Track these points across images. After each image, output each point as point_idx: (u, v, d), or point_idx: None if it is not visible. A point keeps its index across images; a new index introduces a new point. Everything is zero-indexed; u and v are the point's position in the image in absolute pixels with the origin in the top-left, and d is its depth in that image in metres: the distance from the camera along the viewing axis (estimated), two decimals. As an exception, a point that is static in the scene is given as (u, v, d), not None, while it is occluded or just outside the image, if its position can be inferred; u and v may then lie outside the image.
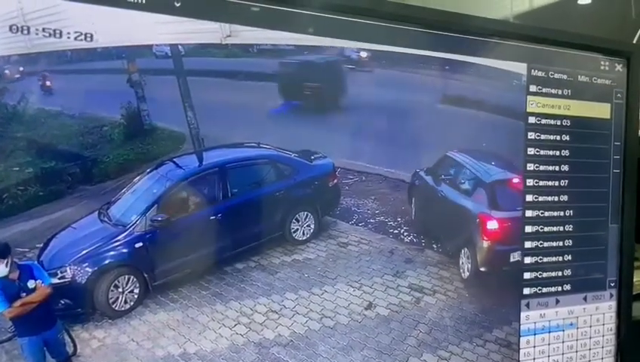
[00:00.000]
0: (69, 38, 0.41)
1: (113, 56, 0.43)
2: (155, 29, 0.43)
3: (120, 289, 0.45)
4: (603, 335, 0.64)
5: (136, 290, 0.45)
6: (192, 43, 0.45)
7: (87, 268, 0.44)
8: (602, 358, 0.64)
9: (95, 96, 0.43)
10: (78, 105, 0.42)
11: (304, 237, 0.52)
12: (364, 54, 0.51)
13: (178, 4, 0.44)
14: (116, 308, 0.44)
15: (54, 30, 0.41)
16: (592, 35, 0.62)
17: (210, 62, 0.46)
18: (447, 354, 0.55)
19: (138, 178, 0.44)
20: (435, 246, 0.55)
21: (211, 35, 0.45)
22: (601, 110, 0.63)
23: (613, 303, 0.65)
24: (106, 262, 0.45)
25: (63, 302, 0.43)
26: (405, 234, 0.54)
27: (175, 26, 0.44)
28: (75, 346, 0.42)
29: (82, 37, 0.41)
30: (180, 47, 0.45)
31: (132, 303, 0.45)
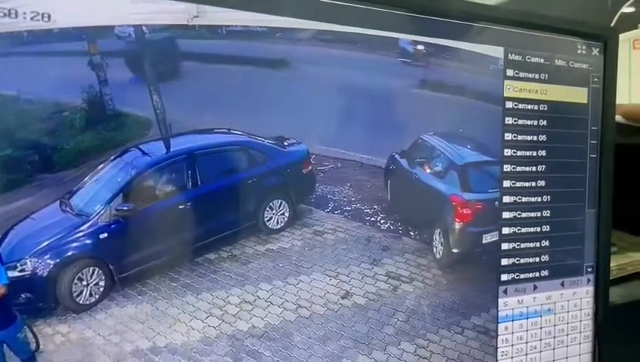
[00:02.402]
0: (24, 18, 0.39)
1: (72, 37, 0.40)
2: (117, 8, 0.41)
3: (84, 282, 0.43)
4: (580, 321, 0.64)
5: (102, 283, 0.43)
6: (157, 24, 0.43)
7: (49, 261, 0.42)
8: (580, 343, 0.64)
9: (54, 80, 0.41)
10: (36, 90, 0.40)
11: (278, 226, 0.50)
12: (339, 37, 0.50)
13: (142, -17, 0.42)
14: (80, 302, 0.43)
15: (9, 10, 0.38)
16: (569, 18, 0.62)
17: (176, 44, 0.44)
18: (425, 342, 0.55)
19: (102, 166, 0.42)
20: (411, 232, 0.54)
21: (177, 16, 0.43)
22: (578, 95, 0.62)
23: (591, 288, 0.65)
24: (69, 253, 0.42)
25: (23, 297, 0.41)
26: (382, 221, 0.53)
27: (138, 5, 0.42)
28: (37, 342, 0.40)
29: (39, 17, 0.39)
30: (144, 27, 0.42)
31: (97, 296, 0.43)
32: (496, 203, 0.50)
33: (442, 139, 0.45)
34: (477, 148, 0.46)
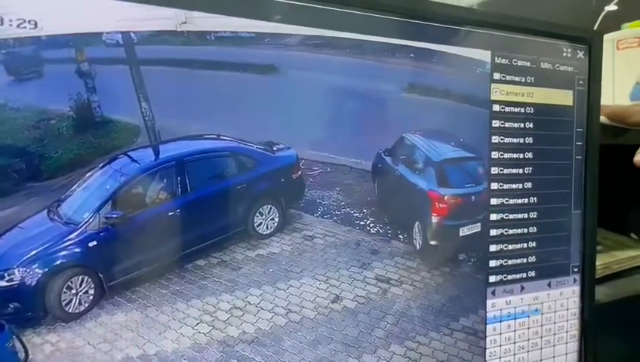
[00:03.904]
0: (10, 25, 0.38)
1: (60, 44, 0.40)
2: (104, 15, 0.41)
3: (73, 291, 0.42)
4: (567, 320, 0.65)
5: (91, 291, 0.43)
6: (145, 30, 0.43)
7: (37, 270, 0.41)
8: (567, 342, 0.65)
9: (41, 88, 0.40)
10: (23, 98, 0.39)
11: (268, 231, 0.50)
12: (327, 42, 0.50)
13: (130, -11, 0.42)
14: (70, 311, 0.42)
15: (-5, 17, 0.38)
16: (554, 22, 0.62)
17: (164, 51, 0.44)
18: (414, 344, 0.55)
19: (90, 173, 0.42)
20: (400, 235, 0.54)
21: (165, 22, 0.43)
22: (563, 97, 0.63)
23: (577, 288, 0.66)
24: (58, 262, 0.42)
25: (12, 306, 0.40)
26: (371, 225, 0.54)
27: (126, 12, 0.42)
28: (26, 352, 0.40)
29: (25, 24, 0.39)
30: (132, 34, 0.42)
31: (87, 305, 0.43)
32: (473, 197, 0.51)
33: (422, 137, 0.47)
34: (455, 145, 0.47)
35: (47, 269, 0.42)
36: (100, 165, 0.42)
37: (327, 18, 0.49)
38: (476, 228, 0.50)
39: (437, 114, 0.56)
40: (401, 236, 0.54)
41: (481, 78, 0.58)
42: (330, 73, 0.51)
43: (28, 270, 0.41)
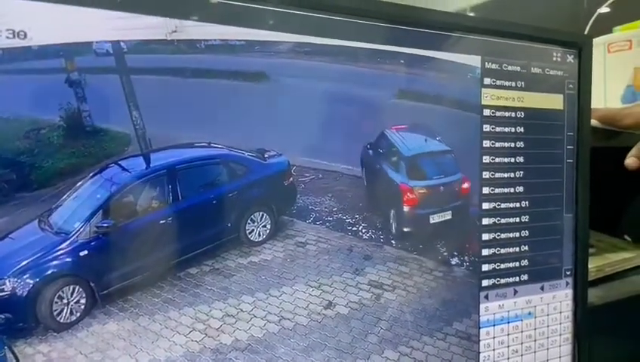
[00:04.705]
0: (-1, 36, 0.38)
1: (49, 54, 0.40)
2: (94, 24, 0.41)
3: (65, 301, 0.42)
4: (560, 323, 0.65)
5: (83, 300, 0.43)
6: (135, 39, 0.43)
7: (28, 280, 0.41)
8: (560, 345, 0.65)
9: (31, 98, 0.40)
10: (13, 108, 0.39)
11: (260, 238, 0.50)
12: (318, 49, 0.50)
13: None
14: (61, 321, 0.42)
15: (-17, 28, 0.38)
16: (544, 26, 0.63)
17: (154, 59, 0.44)
18: (408, 349, 0.55)
19: (81, 183, 0.42)
20: (392, 241, 0.55)
21: (155, 31, 0.43)
22: (554, 101, 0.63)
23: (570, 291, 0.66)
24: (49, 272, 0.42)
25: (3, 317, 0.40)
26: (364, 231, 0.54)
27: (116, 21, 0.42)
28: (17, 362, 0.40)
29: (14, 35, 0.39)
30: (121, 43, 0.42)
31: (78, 314, 0.43)
32: (442, 188, 0.53)
33: (398, 133, 0.50)
34: (428, 141, 0.51)
35: (38, 279, 0.42)
36: (91, 174, 0.42)
37: (318, 25, 0.50)
38: (447, 215, 0.52)
39: (430, 122, 0.57)
40: (393, 241, 0.54)
41: (471, 83, 0.58)
42: (320, 80, 0.51)
43: (19, 280, 0.41)
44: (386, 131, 0.50)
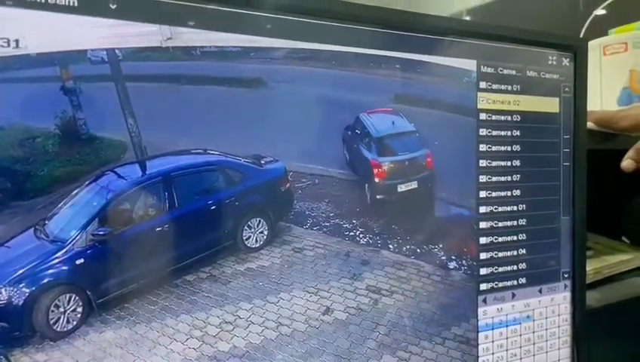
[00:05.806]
0: (-7, 44, 0.38)
1: (44, 62, 0.40)
2: (89, 32, 0.41)
3: (61, 309, 0.42)
4: (559, 326, 0.65)
5: (79, 309, 0.43)
6: (130, 47, 0.43)
7: (24, 289, 0.41)
8: (559, 348, 0.65)
9: (26, 106, 0.40)
10: (7, 116, 0.39)
11: (257, 245, 0.50)
12: (313, 55, 0.50)
13: (114, 7, 0.42)
14: (57, 329, 0.42)
15: (-23, 37, 0.38)
16: (539, 30, 0.63)
17: (150, 67, 0.44)
18: (406, 354, 0.55)
19: (77, 191, 0.42)
20: (390, 245, 0.55)
21: (150, 38, 0.43)
22: (550, 104, 0.64)
23: (568, 294, 0.66)
24: (45, 281, 0.42)
25: (-1, 326, 0.40)
26: (361, 236, 0.54)
27: (111, 29, 0.42)
28: (14, 372, 0.40)
29: (8, 43, 0.39)
30: (116, 51, 0.42)
31: (75, 323, 0.43)
32: (407, 162, 0.57)
33: (370, 116, 0.55)
34: (395, 123, 0.57)
35: (34, 288, 0.41)
36: (87, 182, 0.42)
37: (313, 31, 0.50)
38: (413, 184, 0.57)
39: (428, 128, 0.57)
40: (390, 246, 0.55)
41: (467, 87, 0.58)
42: (316, 85, 0.51)
43: (15, 289, 0.41)
44: (361, 115, 0.55)
